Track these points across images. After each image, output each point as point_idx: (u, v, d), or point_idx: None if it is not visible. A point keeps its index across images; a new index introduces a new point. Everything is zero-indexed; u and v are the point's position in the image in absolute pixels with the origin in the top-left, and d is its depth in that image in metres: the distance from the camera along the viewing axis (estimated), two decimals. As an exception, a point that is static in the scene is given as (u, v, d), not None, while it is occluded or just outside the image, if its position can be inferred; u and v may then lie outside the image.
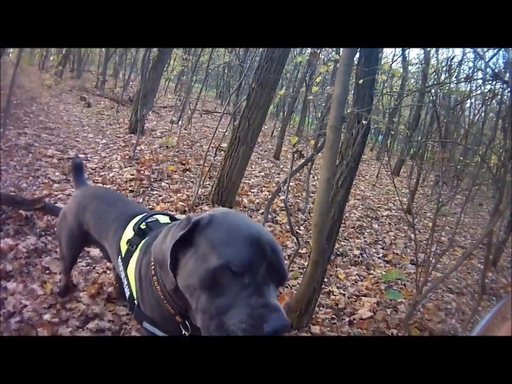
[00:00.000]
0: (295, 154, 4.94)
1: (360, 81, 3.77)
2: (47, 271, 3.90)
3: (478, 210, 12.15)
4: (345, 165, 3.60)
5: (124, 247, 2.30)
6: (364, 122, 3.57)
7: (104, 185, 6.61)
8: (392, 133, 16.50)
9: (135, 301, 2.13)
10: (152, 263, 1.94)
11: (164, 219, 2.39)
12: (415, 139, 16.30)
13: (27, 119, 10.91)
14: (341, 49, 3.80)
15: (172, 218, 2.40)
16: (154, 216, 2.37)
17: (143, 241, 2.20)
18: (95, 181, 6.87)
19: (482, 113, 13.22)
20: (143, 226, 2.29)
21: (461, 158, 10.37)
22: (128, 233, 2.33)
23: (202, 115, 19.23)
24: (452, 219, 9.39)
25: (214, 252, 1.56)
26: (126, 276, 2.23)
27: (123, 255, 2.28)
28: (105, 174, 7.37)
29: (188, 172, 8.52)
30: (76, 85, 21.40)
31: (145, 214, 2.44)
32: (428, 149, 15.81)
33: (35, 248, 4.18)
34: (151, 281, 1.93)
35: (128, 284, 2.21)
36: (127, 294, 2.21)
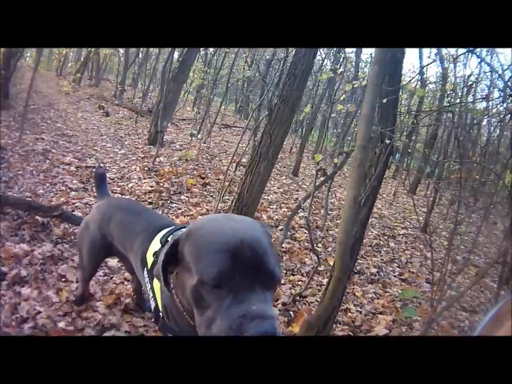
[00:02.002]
0: (319, 172, 4.95)
1: (384, 100, 3.79)
2: (63, 279, 3.93)
3: (492, 228, 12.09)
4: (368, 184, 3.60)
5: (150, 259, 2.30)
6: (387, 141, 3.59)
7: (124, 196, 6.66)
8: (410, 151, 16.48)
9: (160, 313, 2.15)
10: None
11: None
12: (432, 157, 16.26)
13: (44, 124, 10.98)
14: (367, 68, 3.80)
15: None
16: (182, 230, 2.17)
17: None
18: (114, 191, 6.90)
19: (498, 131, 13.20)
20: (169, 239, 2.19)
21: (477, 177, 10.29)
22: (155, 245, 2.31)
23: (222, 129, 19.24)
24: (467, 238, 9.33)
25: (191, 267, 1.58)
26: (152, 288, 2.25)
27: (149, 267, 2.29)
28: (124, 185, 7.42)
29: (207, 186, 8.54)
30: (94, 93, 21.48)
31: (173, 227, 2.41)
32: (445, 167, 15.75)
33: (51, 255, 4.20)
34: (172, 293, 1.92)
35: (154, 296, 2.23)
36: (153, 306, 2.25)
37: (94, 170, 3.90)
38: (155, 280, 2.20)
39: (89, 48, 23.53)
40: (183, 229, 2.09)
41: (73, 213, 5.24)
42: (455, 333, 5.15)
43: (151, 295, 2.26)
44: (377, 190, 3.74)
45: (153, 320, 2.47)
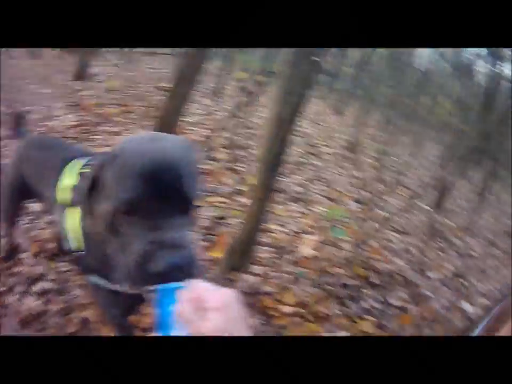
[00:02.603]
0: (243, 90, 4.87)
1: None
2: None
3: (423, 152, 12.24)
4: (293, 101, 3.55)
5: (64, 194, 2.08)
6: (315, 59, 3.53)
7: (46, 134, 6.31)
8: (339, 73, 16.45)
9: (82, 251, 2.01)
10: None
11: None
12: (363, 81, 16.28)
13: None
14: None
15: None
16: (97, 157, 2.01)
17: None
18: (39, 132, 6.50)
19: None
20: (86, 169, 2.00)
21: (410, 101, 10.36)
22: (70, 178, 2.10)
23: (146, 57, 18.91)
24: (397, 159, 9.43)
25: (108, 193, 1.46)
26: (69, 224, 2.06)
27: (65, 202, 2.08)
28: (48, 123, 7.13)
29: (130, 113, 8.34)
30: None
31: (89, 157, 2.21)
32: (376, 89, 15.78)
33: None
34: (91, 223, 1.74)
35: (73, 232, 2.04)
36: (73, 245, 2.05)
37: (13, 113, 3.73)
38: (71, 215, 2.03)
39: None
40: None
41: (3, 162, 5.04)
42: (387, 254, 5.23)
43: (70, 232, 2.05)
44: (301, 107, 3.67)
45: (74, 261, 2.28)
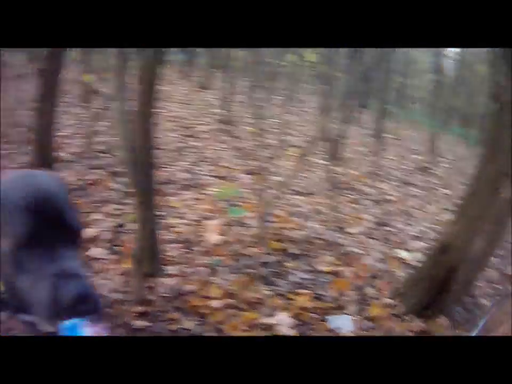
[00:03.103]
0: (93, 94, 4.66)
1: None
2: None
3: (301, 107, 12.26)
4: (142, 90, 3.36)
5: None
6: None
7: None
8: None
9: None
10: None
11: None
12: (217, 51, 16.25)
13: None
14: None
15: None
16: None
17: None
18: None
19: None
20: None
21: (271, 60, 10.23)
22: None
23: (14, 81, 18.37)
24: (276, 120, 9.27)
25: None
26: None
27: None
28: None
29: (8, 144, 7.57)
30: None
31: None
32: (234, 58, 15.75)
33: None
34: None
35: None
36: None
37: None
38: None
39: None
40: None
41: None
42: (296, 220, 5.14)
43: None
44: (154, 94, 3.43)
45: None
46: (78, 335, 1.22)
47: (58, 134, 7.33)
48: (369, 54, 8.28)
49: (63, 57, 6.55)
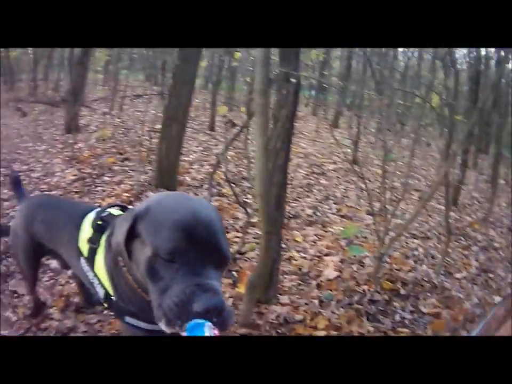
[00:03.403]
0: (227, 124, 4.87)
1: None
2: (15, 295, 3.73)
3: (426, 150, 12.21)
4: (280, 127, 3.50)
5: (84, 247, 2.28)
6: (293, 80, 3.48)
7: (49, 192, 6.41)
8: (325, 86, 16.46)
9: (112, 297, 2.11)
10: None
11: (115, 211, 2.36)
12: (349, 89, 16.30)
13: None
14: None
15: (123, 208, 2.38)
16: (107, 210, 2.34)
17: (104, 237, 2.19)
18: (41, 189, 6.62)
19: (417, 54, 13.29)
20: (99, 222, 2.26)
21: (401, 102, 10.28)
22: (86, 232, 2.30)
23: (133, 100, 18.99)
24: (402, 163, 9.36)
25: (148, 241, 1.62)
26: (96, 274, 2.20)
27: (86, 255, 2.26)
28: (49, 181, 7.11)
29: (126, 161, 8.36)
30: (11, 97, 20.91)
31: (98, 210, 2.40)
32: (365, 97, 15.78)
33: (-2, 273, 3.99)
34: (122, 272, 1.97)
35: (100, 281, 2.18)
36: (101, 293, 2.18)
37: (8, 175, 3.87)
38: (97, 265, 2.19)
39: None
40: (108, 209, 2.33)
41: (9, 224, 5.00)
42: (411, 263, 5.17)
43: (96, 282, 2.20)
44: (291, 131, 3.64)
45: (106, 307, 2.36)
46: (199, 335, 1.36)
47: (184, 158, 7.72)
48: (489, 97, 8.15)
49: (192, 84, 6.75)
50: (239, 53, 7.20)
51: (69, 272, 3.86)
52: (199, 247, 1.54)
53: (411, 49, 14.38)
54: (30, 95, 21.37)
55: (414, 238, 5.96)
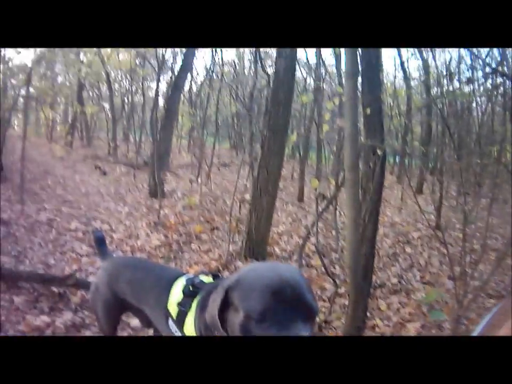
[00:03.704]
0: (318, 198, 4.95)
1: (368, 111, 3.76)
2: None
3: (503, 208, 11.99)
4: (369, 200, 3.58)
5: (174, 310, 2.41)
6: (379, 152, 3.57)
7: (134, 254, 6.68)
8: (408, 152, 16.39)
9: None
10: None
11: (207, 278, 2.50)
12: (430, 153, 16.21)
13: (44, 193, 10.93)
14: (343, 82, 3.75)
15: (214, 276, 2.53)
16: (198, 277, 2.48)
17: (195, 301, 2.32)
18: (124, 251, 6.89)
19: (490, 109, 13.17)
20: (191, 287, 2.40)
21: (478, 161, 10.20)
22: (176, 296, 2.45)
23: (220, 169, 19.22)
24: (480, 224, 9.25)
25: (240, 307, 1.73)
26: (184, 335, 2.34)
27: (174, 317, 2.40)
28: (133, 243, 7.35)
29: (215, 230, 8.51)
30: (88, 154, 21.34)
31: (190, 276, 2.56)
32: (445, 160, 15.67)
33: (73, 323, 4.16)
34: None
35: None
36: None
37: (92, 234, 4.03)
38: (186, 327, 2.32)
39: (75, 109, 23.82)
40: (200, 276, 2.48)
41: (87, 279, 5.20)
42: None
43: None
44: (379, 203, 3.72)
45: None
46: None
47: (273, 229, 7.76)
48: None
49: (282, 155, 6.80)
50: (327, 127, 7.29)
51: (150, 332, 3.95)
52: (286, 304, 1.64)
53: (484, 102, 14.27)
54: (109, 154, 21.90)
55: (490, 298, 5.90)
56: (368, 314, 4.68)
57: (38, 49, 11.63)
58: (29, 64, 13.05)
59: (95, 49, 20.53)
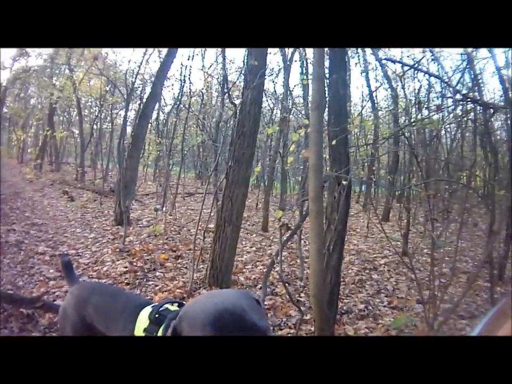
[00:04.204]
0: (282, 229, 4.97)
1: (333, 142, 3.78)
2: None
3: (473, 231, 12.10)
4: (333, 230, 3.58)
5: (140, 335, 2.42)
6: (344, 183, 3.58)
7: (100, 280, 6.70)
8: (374, 180, 16.52)
9: None
10: None
11: (172, 307, 2.50)
12: (397, 181, 16.36)
13: (14, 214, 11.15)
14: (309, 113, 3.78)
15: (180, 305, 2.53)
16: (164, 306, 2.47)
17: (161, 328, 2.32)
18: (90, 276, 6.95)
19: (459, 135, 13.34)
20: (157, 315, 2.40)
21: (447, 187, 10.32)
22: (143, 322, 2.45)
23: (185, 198, 19.27)
24: (449, 248, 9.33)
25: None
26: None
27: None
28: (99, 269, 7.42)
29: (180, 259, 8.54)
30: (56, 179, 22.03)
31: (156, 304, 2.56)
32: (412, 188, 15.82)
33: (42, 346, 4.13)
34: None
35: None
36: None
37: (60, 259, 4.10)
38: None
39: (46, 132, 24.09)
40: (165, 305, 2.46)
41: (54, 302, 5.29)
42: None
43: None
44: (343, 232, 3.74)
45: None
46: None
47: (238, 258, 7.92)
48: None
49: (246, 186, 6.89)
50: (291, 158, 7.34)
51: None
52: (228, 330, 1.61)
53: (453, 128, 14.48)
54: (77, 180, 22.04)
55: (462, 319, 5.91)
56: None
57: (14, 69, 11.73)
58: (4, 83, 13.11)
59: (67, 73, 20.69)
